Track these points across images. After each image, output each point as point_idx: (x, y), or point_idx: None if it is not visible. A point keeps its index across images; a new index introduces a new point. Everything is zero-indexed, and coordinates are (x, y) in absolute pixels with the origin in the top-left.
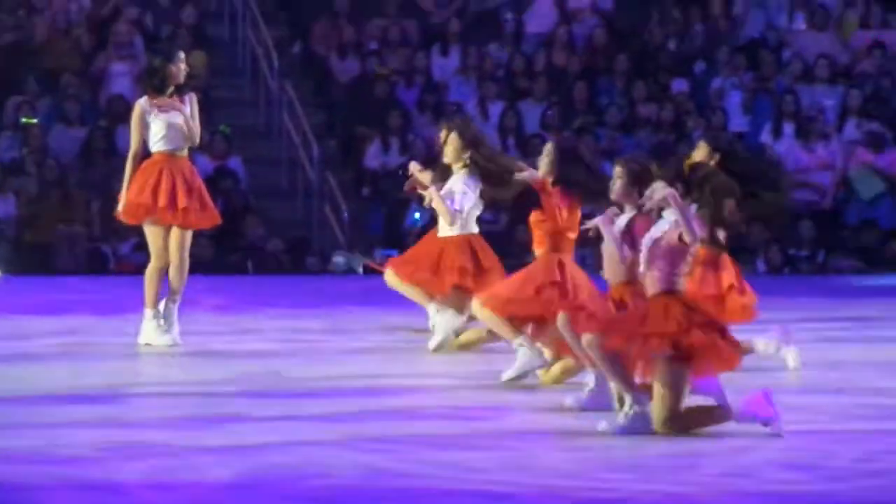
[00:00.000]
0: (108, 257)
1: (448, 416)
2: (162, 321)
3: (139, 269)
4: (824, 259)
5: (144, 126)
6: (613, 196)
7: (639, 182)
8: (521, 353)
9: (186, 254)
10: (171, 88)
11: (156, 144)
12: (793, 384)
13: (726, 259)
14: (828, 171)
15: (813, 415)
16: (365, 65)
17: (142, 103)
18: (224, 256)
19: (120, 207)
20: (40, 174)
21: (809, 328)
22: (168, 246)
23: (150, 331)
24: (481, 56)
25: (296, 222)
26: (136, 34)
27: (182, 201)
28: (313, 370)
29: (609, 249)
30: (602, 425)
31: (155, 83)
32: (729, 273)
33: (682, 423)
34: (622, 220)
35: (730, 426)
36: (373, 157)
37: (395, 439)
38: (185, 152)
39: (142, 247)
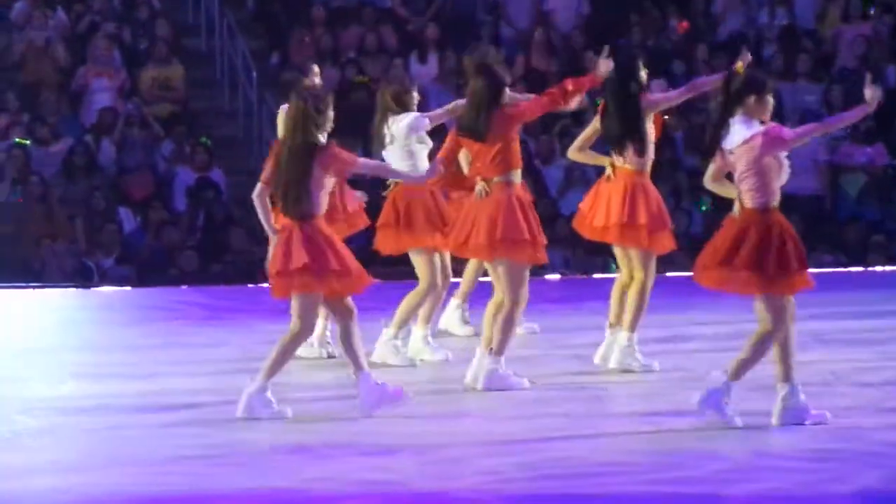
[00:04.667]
0: (93, 271)
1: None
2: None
3: (122, 282)
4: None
5: None
6: None
7: None
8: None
9: None
10: None
11: None
12: None
13: None
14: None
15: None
16: (343, 73)
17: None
18: (208, 267)
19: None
20: (24, 190)
21: None
22: None
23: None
24: (459, 61)
25: None
26: (114, 48)
27: None
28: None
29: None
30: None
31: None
32: None
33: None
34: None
35: None
36: None
37: None
38: None
39: (124, 260)
